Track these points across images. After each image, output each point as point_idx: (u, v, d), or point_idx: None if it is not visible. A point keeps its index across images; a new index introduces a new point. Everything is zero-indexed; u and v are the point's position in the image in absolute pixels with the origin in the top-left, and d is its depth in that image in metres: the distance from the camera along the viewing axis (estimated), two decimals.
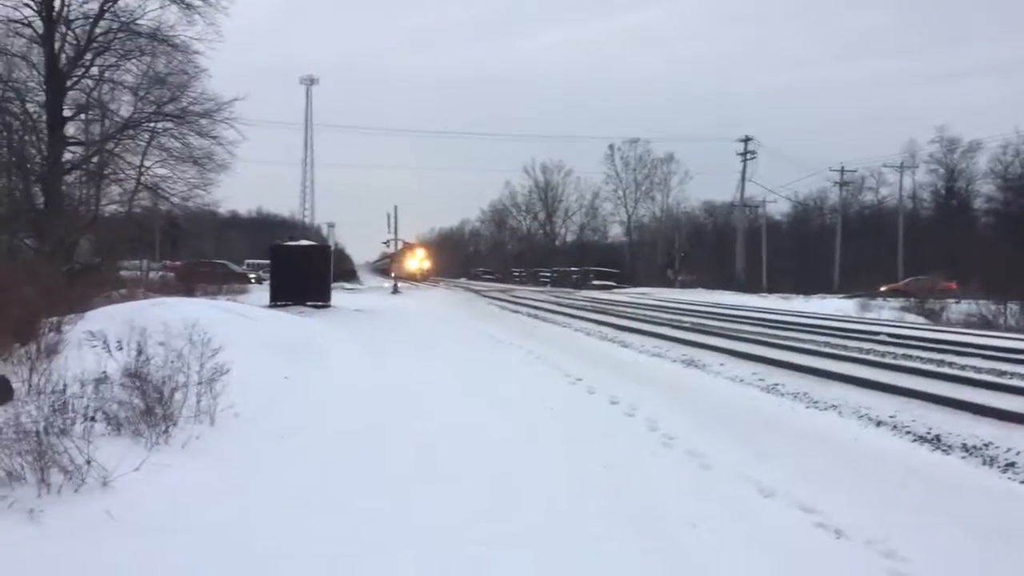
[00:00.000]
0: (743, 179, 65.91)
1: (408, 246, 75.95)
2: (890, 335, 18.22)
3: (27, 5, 24.59)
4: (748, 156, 65.10)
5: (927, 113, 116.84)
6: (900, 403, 9.78)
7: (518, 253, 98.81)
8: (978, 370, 12.64)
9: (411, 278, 76.25)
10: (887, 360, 13.87)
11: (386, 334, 18.86)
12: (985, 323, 26.57)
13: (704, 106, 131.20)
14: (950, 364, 13.38)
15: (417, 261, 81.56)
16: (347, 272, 63.30)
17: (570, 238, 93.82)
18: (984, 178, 67.52)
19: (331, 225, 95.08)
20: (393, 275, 54.94)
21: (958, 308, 30.73)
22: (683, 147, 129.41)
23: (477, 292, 51.13)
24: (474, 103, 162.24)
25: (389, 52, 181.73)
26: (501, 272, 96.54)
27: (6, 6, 24.22)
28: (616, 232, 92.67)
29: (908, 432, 8.61)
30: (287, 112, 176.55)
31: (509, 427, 8.48)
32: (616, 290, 59.68)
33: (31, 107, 24.87)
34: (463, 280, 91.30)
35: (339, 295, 32.72)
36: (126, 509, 5.12)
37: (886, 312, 30.59)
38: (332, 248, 41.39)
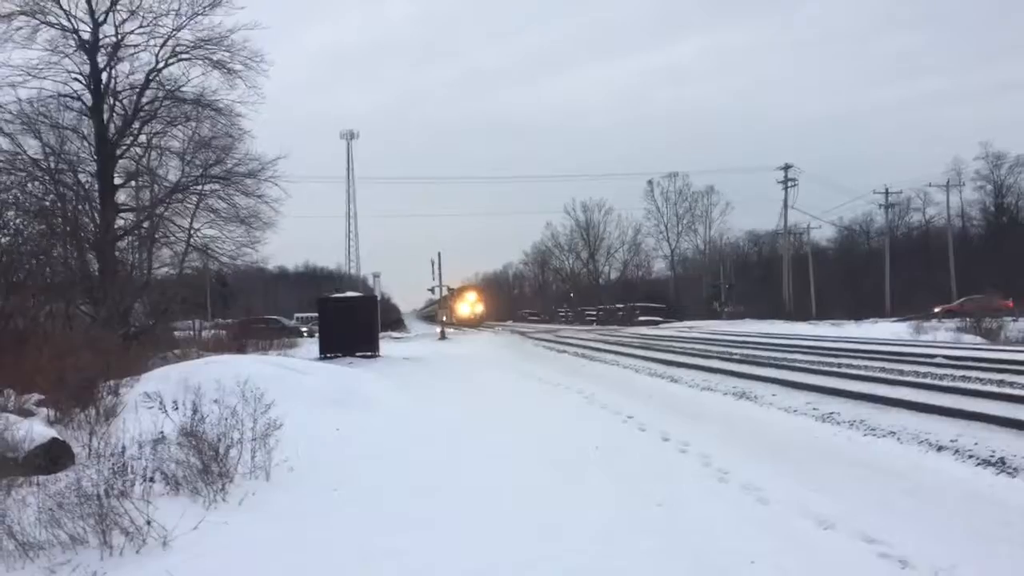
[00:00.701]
0: (785, 207, 65.43)
1: (459, 290, 75.35)
2: (947, 357, 17.83)
3: (76, 79, 25.59)
4: (789, 184, 64.67)
5: (970, 130, 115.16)
6: (961, 426, 9.54)
7: (562, 293, 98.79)
8: None
9: (464, 323, 74.23)
10: (945, 383, 13.56)
11: (435, 382, 18.93)
12: None
13: (742, 137, 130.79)
14: (1011, 384, 13.04)
15: (469, 305, 78.64)
16: (394, 321, 64.84)
17: (614, 275, 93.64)
18: None
19: (376, 275, 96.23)
20: (442, 320, 54.77)
21: (1016, 326, 30.00)
22: (723, 178, 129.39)
23: (523, 334, 51.09)
24: (511, 147, 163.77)
25: (425, 100, 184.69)
26: (546, 313, 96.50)
27: (56, 81, 25.22)
28: (660, 267, 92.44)
29: (971, 456, 8.39)
30: (329, 165, 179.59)
31: (560, 470, 8.43)
32: (663, 325, 59.25)
33: (83, 177, 25.74)
34: (509, 322, 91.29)
35: (387, 344, 32.97)
36: (186, 568, 5.19)
37: (941, 334, 29.92)
38: (378, 298, 41.79)
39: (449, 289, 72.60)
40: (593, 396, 14.68)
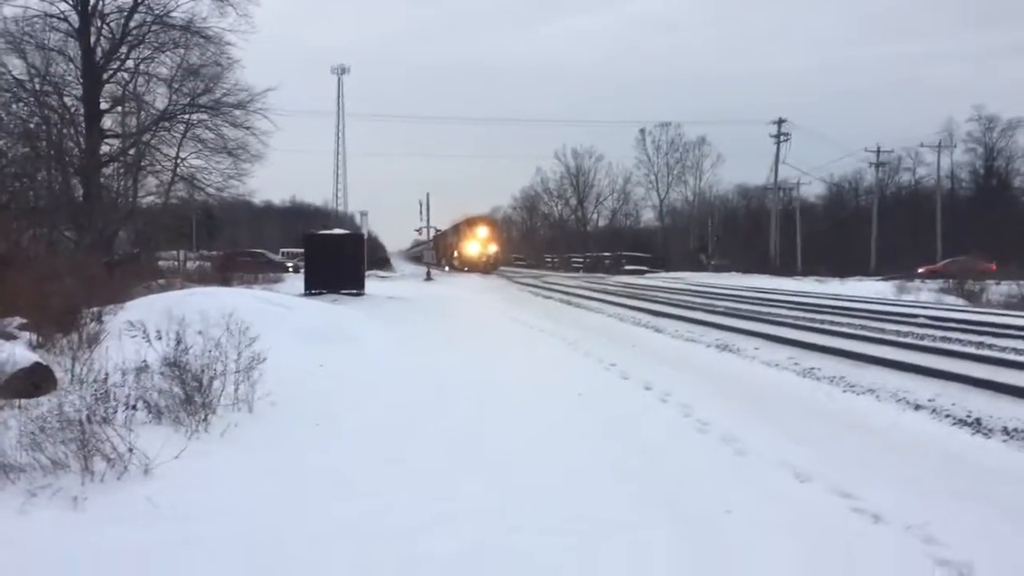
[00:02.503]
0: (776, 162, 65.26)
1: (466, 223, 62.31)
2: (928, 317, 17.97)
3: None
4: (782, 138, 64.41)
5: (964, 92, 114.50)
6: (939, 386, 9.65)
7: (550, 239, 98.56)
8: (1018, 352, 12.41)
9: (472, 267, 59.35)
10: (925, 343, 13.69)
11: (419, 321, 18.95)
12: None
13: (735, 88, 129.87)
14: (990, 346, 13.18)
15: (479, 244, 60.74)
16: (381, 260, 63.51)
17: (602, 223, 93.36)
18: None
19: (364, 213, 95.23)
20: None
21: (998, 289, 30.21)
22: (715, 130, 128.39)
23: (509, 278, 51.09)
24: (501, 90, 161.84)
25: (414, 39, 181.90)
26: (533, 258, 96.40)
27: (43, 0, 24.62)
28: (648, 217, 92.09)
29: (947, 416, 8.49)
30: (319, 100, 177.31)
31: (542, 414, 8.50)
32: (649, 275, 59.39)
33: (68, 101, 25.37)
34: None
35: (373, 283, 32.91)
36: (167, 496, 5.22)
37: (924, 294, 30.13)
38: (365, 236, 41.62)
39: (448, 228, 65.01)
40: (576, 343, 14.74)
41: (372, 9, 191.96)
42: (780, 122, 64.19)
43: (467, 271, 58.06)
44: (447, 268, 62.44)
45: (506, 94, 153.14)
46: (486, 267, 59.16)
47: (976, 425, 8.08)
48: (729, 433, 7.53)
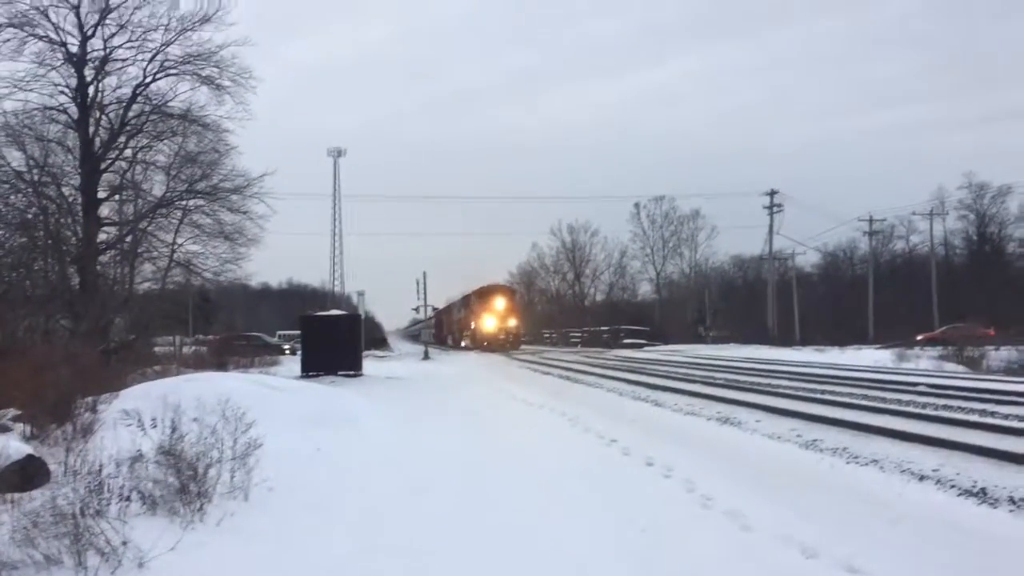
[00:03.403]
0: (771, 233, 65.73)
1: (480, 293, 53.88)
2: (929, 385, 17.90)
3: (63, 92, 25.53)
4: (775, 210, 65.03)
5: (954, 160, 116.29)
6: (943, 456, 9.56)
7: (548, 314, 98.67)
8: (1021, 419, 12.34)
9: (492, 344, 51.22)
10: (927, 411, 13.60)
11: (418, 401, 18.83)
12: None
13: (728, 161, 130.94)
14: (992, 414, 13.09)
15: (496, 318, 51.83)
16: (378, 340, 63.17)
17: (599, 297, 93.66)
18: (1016, 222, 66.86)
19: (361, 293, 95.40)
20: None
21: (997, 355, 30.20)
22: (709, 203, 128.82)
23: (507, 354, 50.96)
24: (497, 168, 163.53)
25: (410, 119, 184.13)
26: (531, 334, 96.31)
27: (42, 94, 25.17)
28: (645, 290, 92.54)
29: (953, 486, 8.39)
30: (315, 182, 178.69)
31: (542, 493, 8.38)
32: (647, 348, 59.29)
33: (66, 190, 25.64)
34: None
35: (370, 363, 32.81)
36: None
37: (924, 362, 30.09)
38: (362, 316, 41.65)
39: (455, 301, 61.09)
40: (577, 418, 14.63)
41: (368, 90, 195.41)
42: (772, 193, 64.90)
43: (484, 348, 50.55)
44: (462, 344, 56.39)
45: (502, 171, 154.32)
46: (505, 344, 50.99)
47: (982, 495, 7.97)
48: (734, 508, 7.43)
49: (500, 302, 52.43)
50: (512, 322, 52.43)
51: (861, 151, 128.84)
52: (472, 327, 54.21)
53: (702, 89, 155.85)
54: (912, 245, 73.51)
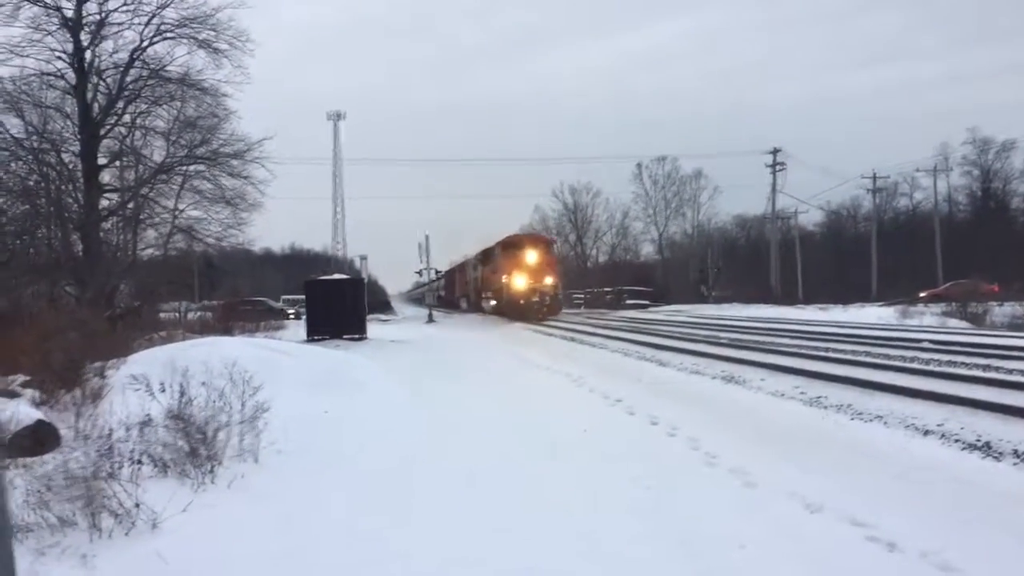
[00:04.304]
0: (774, 191, 65.39)
1: (506, 244, 41.93)
2: (933, 342, 17.93)
3: (59, 58, 25.33)
4: (778, 168, 64.66)
5: (958, 115, 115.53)
6: (947, 411, 9.61)
7: None
8: None
9: (524, 308, 38.61)
10: (931, 367, 13.65)
11: (422, 363, 18.92)
12: None
13: (729, 120, 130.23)
14: (996, 368, 13.13)
15: (526, 275, 38.93)
16: (382, 303, 63.21)
17: (602, 259, 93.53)
18: (1021, 177, 66.80)
19: (363, 258, 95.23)
20: (428, 304, 51.57)
21: (1001, 311, 30.20)
22: (711, 162, 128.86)
23: (508, 316, 50.90)
24: (498, 129, 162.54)
25: (409, 82, 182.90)
26: None
27: (39, 60, 24.99)
28: (648, 250, 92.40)
29: (957, 440, 8.45)
30: (315, 146, 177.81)
31: (548, 453, 8.45)
32: (651, 308, 59.33)
33: (67, 157, 25.56)
34: None
35: (375, 327, 32.89)
36: (175, 550, 5.18)
37: (927, 318, 30.09)
38: (366, 280, 41.65)
39: (471, 257, 49.83)
40: (581, 379, 14.70)
41: (368, 52, 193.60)
42: (775, 152, 64.49)
43: (514, 315, 38.95)
44: (484, 308, 46.98)
45: (503, 133, 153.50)
46: (541, 309, 38.69)
47: (986, 449, 8.03)
48: (738, 465, 7.48)
49: (532, 255, 39.88)
50: (549, 280, 39.70)
51: (862, 108, 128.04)
52: (498, 287, 41.80)
53: (696, 49, 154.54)
54: (916, 202, 73.50)
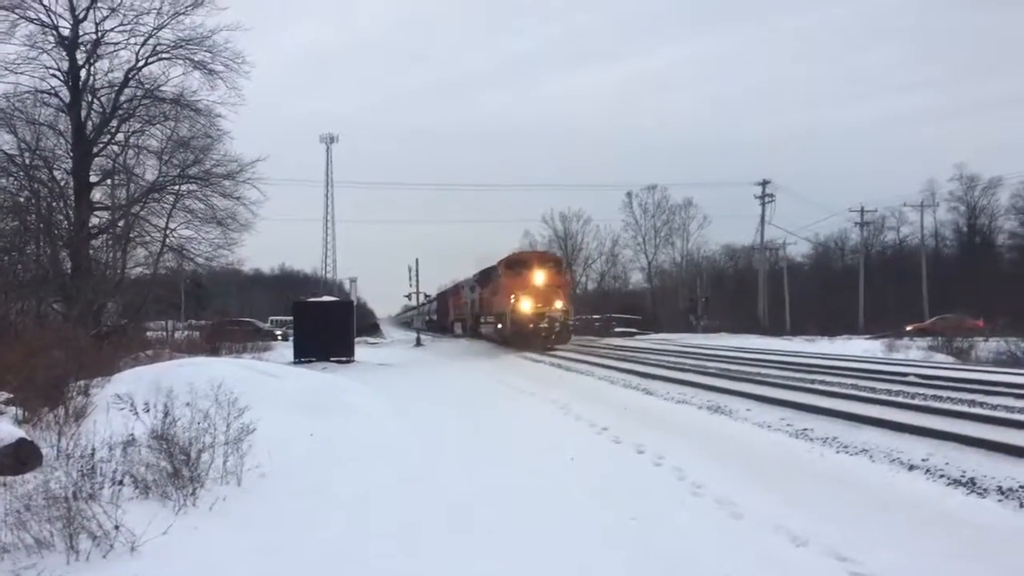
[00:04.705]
0: (763, 223, 65.79)
1: (509, 263, 36.74)
2: (919, 376, 17.97)
3: (54, 75, 25.39)
4: (767, 199, 65.12)
5: (945, 151, 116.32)
6: (932, 446, 9.61)
7: None
8: (1010, 409, 12.41)
9: (530, 335, 33.53)
10: (917, 401, 13.67)
11: (409, 387, 18.86)
12: (1015, 360, 26.16)
13: (721, 150, 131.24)
14: (981, 404, 13.16)
15: (532, 297, 33.73)
16: (370, 326, 62.95)
17: (591, 286, 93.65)
18: (1006, 214, 67.36)
19: (353, 280, 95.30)
20: (416, 328, 51.38)
21: (986, 346, 30.33)
22: (701, 192, 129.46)
23: (497, 342, 50.51)
24: (490, 154, 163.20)
25: (403, 105, 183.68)
26: None
27: (34, 77, 25.05)
28: (637, 278, 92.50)
29: (942, 476, 8.44)
30: (308, 168, 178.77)
31: (534, 480, 8.42)
32: (639, 336, 59.28)
33: (58, 174, 25.52)
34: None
35: (362, 349, 32.81)
36: (154, 574, 5.12)
37: (913, 352, 30.23)
38: (354, 303, 41.58)
39: (469, 278, 44.94)
40: (568, 406, 14.66)
41: (361, 76, 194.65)
42: (764, 183, 64.97)
43: (520, 344, 33.64)
44: (483, 333, 42.42)
45: (495, 158, 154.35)
46: (550, 336, 34.20)
47: (971, 485, 8.03)
48: (724, 496, 7.47)
49: (540, 275, 34.63)
50: (559, 304, 34.65)
51: (852, 142, 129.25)
52: (500, 311, 36.38)
53: (691, 78, 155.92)
54: (903, 236, 73.98)
